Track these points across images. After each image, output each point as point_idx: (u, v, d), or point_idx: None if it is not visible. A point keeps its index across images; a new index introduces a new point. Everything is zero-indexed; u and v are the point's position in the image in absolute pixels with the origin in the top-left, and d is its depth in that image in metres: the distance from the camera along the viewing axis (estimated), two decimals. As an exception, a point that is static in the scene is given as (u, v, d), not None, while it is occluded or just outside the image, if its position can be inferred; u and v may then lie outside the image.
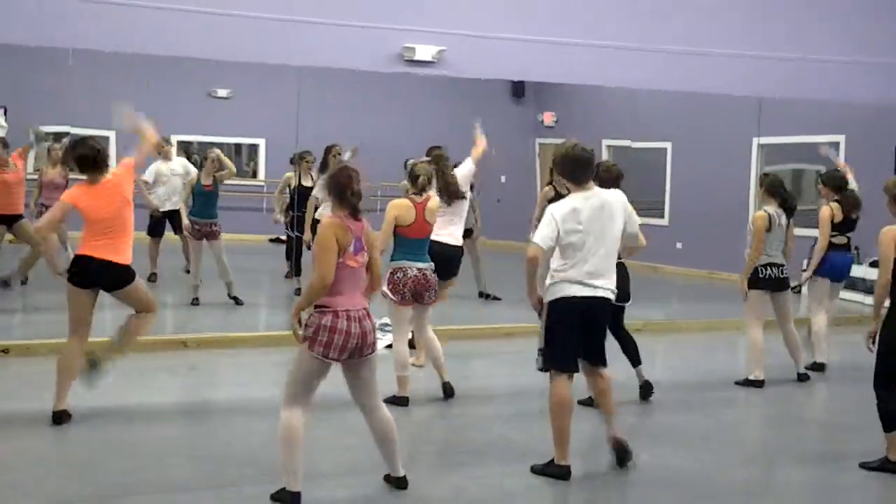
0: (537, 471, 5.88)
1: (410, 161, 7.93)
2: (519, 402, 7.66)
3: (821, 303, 9.26)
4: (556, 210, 5.77)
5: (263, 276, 13.54)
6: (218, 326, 9.97)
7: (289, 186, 11.82)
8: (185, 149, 18.23)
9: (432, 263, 7.45)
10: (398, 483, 5.55)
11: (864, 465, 6.17)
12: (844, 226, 9.16)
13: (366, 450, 5.77)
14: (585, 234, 5.71)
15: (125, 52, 9.38)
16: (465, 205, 8.73)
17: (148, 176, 12.26)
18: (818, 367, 9.07)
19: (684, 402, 7.87)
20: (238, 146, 19.09)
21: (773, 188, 8.51)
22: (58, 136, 12.77)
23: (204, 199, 10.90)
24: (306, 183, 11.55)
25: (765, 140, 14.09)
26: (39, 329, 9.18)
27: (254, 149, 19.11)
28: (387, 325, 9.40)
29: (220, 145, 18.70)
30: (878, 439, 6.15)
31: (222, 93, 17.80)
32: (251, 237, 14.85)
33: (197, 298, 10.91)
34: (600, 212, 5.78)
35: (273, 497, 5.23)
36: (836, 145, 13.84)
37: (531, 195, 9.56)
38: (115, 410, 7.04)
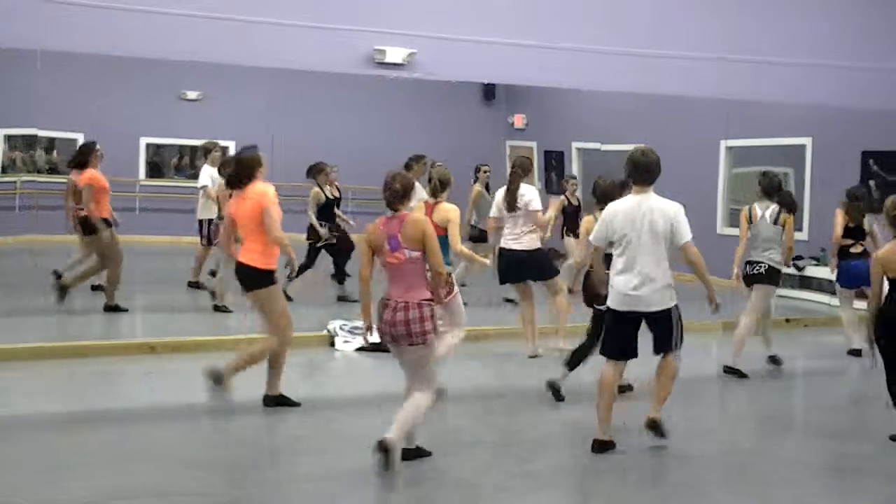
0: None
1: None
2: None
3: (848, 305, 9.93)
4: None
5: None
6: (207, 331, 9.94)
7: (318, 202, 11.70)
8: (155, 151, 18.17)
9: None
10: (379, 445, 5.61)
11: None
12: (858, 233, 9.68)
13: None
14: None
15: (94, 54, 9.31)
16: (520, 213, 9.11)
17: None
18: (856, 353, 9.66)
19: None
20: (187, 152, 18.98)
21: (768, 189, 9.02)
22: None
23: None
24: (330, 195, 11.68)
25: (732, 143, 14.21)
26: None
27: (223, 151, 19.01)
28: (357, 327, 9.43)
29: (190, 148, 18.72)
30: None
31: (192, 95, 17.71)
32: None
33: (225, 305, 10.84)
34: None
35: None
36: (802, 148, 14.01)
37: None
38: (82, 415, 7.01)
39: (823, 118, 13.09)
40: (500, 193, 9.24)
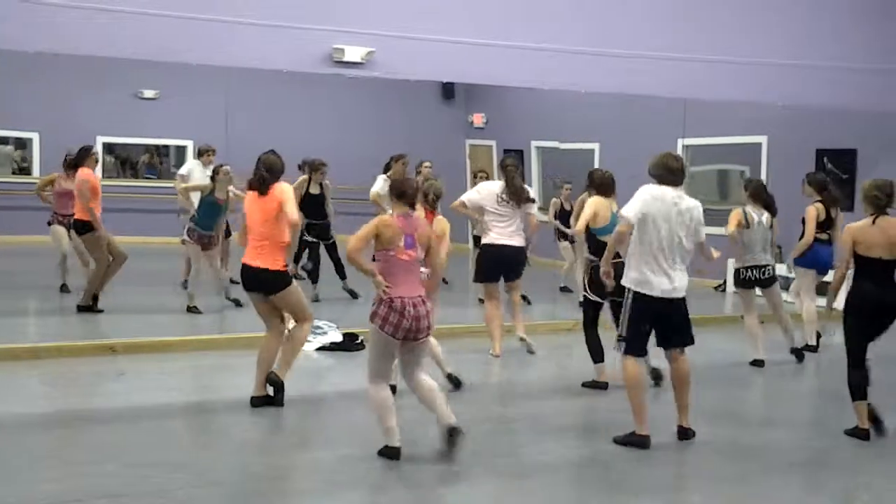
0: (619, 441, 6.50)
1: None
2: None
3: (808, 292, 10.13)
4: None
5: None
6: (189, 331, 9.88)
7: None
8: (110, 150, 18.03)
9: None
10: (452, 433, 5.99)
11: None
12: (827, 223, 9.92)
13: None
14: None
15: (50, 53, 9.20)
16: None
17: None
18: (811, 349, 10.03)
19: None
20: (165, 147, 18.90)
21: (757, 192, 9.41)
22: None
23: (215, 210, 10.87)
24: (314, 191, 11.83)
25: (689, 141, 14.33)
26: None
27: (165, 150, 18.97)
28: (318, 327, 9.41)
29: (147, 147, 18.61)
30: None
31: (149, 94, 17.60)
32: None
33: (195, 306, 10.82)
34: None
35: (380, 453, 5.97)
36: (758, 146, 14.17)
37: (461, 196, 9.64)
38: (47, 417, 6.95)
39: (779, 117, 13.25)
40: (498, 186, 9.26)
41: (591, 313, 8.18)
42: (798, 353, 9.64)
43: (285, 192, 7.09)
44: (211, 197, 10.86)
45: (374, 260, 6.16)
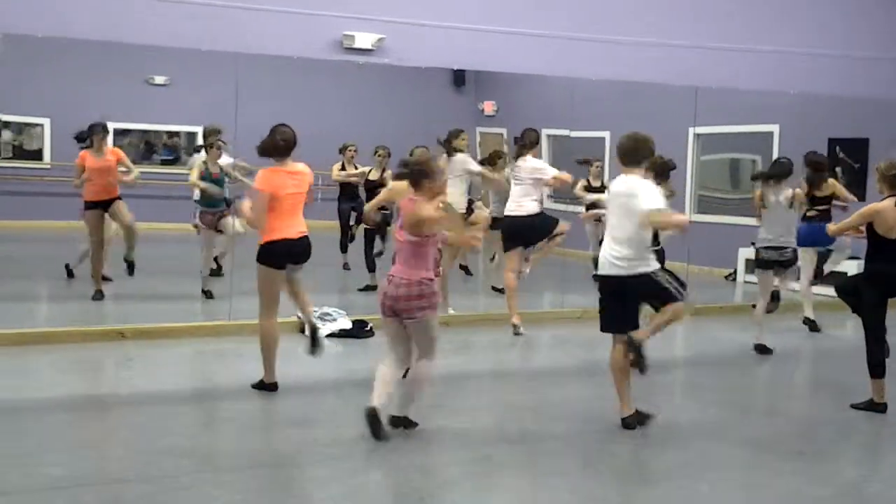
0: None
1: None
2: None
3: (805, 271, 10.45)
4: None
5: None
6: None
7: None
8: (124, 134, 18.02)
9: None
10: (404, 423, 6.24)
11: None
12: (824, 199, 10.27)
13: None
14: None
15: (59, 38, 9.20)
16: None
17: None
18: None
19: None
20: (176, 133, 18.88)
21: (773, 172, 9.50)
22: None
23: (215, 184, 10.94)
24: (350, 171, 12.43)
25: (700, 129, 14.27)
26: None
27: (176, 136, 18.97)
28: (328, 314, 9.43)
29: (157, 133, 18.59)
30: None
31: (160, 80, 17.57)
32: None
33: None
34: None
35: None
36: (770, 135, 14.09)
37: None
38: (56, 401, 6.97)
39: (791, 106, 13.17)
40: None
41: None
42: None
43: (310, 174, 7.29)
44: (207, 173, 10.86)
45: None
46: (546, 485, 5.66)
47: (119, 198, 10.64)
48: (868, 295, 7.15)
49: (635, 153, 6.57)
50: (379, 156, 12.26)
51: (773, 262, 9.39)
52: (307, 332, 7.53)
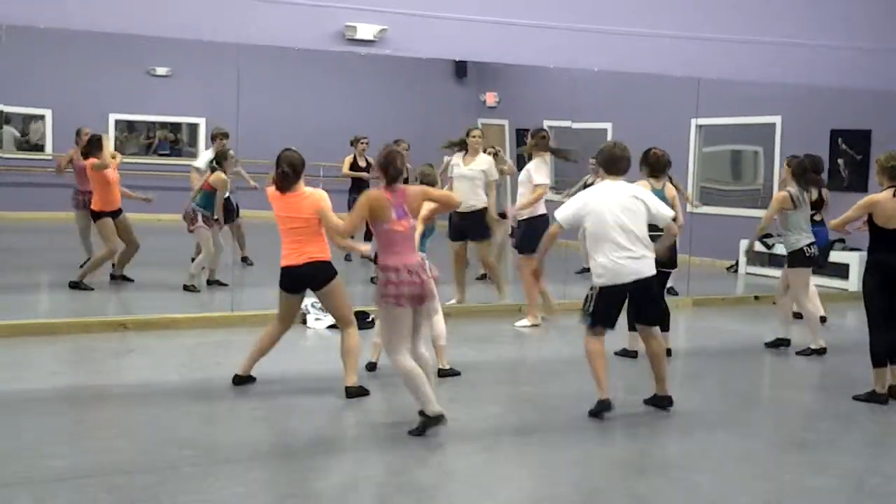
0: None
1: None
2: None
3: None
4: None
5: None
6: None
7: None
8: (125, 127, 18.02)
9: None
10: (438, 420, 6.03)
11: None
12: (818, 203, 10.02)
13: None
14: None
15: (60, 29, 9.20)
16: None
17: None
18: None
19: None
20: (178, 125, 18.88)
21: (799, 170, 9.10)
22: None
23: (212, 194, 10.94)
24: (361, 164, 12.53)
25: (703, 121, 14.25)
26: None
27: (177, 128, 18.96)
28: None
29: (159, 125, 18.59)
30: None
31: (161, 71, 17.55)
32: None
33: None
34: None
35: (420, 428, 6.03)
36: (772, 127, 14.08)
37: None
38: (57, 392, 6.99)
39: (793, 97, 13.16)
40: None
41: None
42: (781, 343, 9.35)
43: (323, 199, 6.89)
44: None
45: (369, 237, 6.23)
46: (547, 477, 5.67)
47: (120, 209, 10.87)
48: (869, 284, 7.23)
49: (615, 164, 6.89)
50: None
51: (816, 259, 9.16)
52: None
